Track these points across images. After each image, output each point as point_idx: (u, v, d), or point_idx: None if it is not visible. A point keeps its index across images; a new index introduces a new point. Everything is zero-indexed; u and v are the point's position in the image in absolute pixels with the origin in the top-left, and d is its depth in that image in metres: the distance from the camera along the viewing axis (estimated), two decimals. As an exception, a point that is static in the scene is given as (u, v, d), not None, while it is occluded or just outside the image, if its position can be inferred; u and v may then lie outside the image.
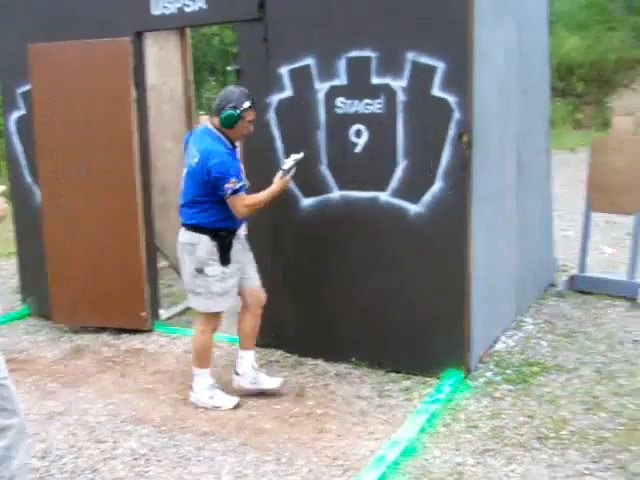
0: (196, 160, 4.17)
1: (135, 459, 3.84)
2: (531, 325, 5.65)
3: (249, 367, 4.52)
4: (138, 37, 5.49)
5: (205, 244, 4.24)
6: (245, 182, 4.31)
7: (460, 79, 4.36)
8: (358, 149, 4.69)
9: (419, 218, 4.60)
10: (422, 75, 4.44)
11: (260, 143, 4.92)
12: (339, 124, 4.73)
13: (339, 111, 4.71)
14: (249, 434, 4.06)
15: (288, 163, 4.39)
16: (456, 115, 4.40)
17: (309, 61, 4.74)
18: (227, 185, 4.10)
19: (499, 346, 5.20)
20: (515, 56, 5.32)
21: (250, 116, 4.25)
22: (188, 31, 6.95)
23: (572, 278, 6.50)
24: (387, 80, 4.55)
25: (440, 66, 4.39)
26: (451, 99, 4.40)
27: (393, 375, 4.75)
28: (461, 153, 4.42)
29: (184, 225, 4.34)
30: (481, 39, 4.43)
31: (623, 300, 6.13)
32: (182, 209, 4.36)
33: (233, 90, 4.27)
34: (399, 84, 4.52)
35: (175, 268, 6.45)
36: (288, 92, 4.82)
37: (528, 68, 5.69)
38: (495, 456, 3.76)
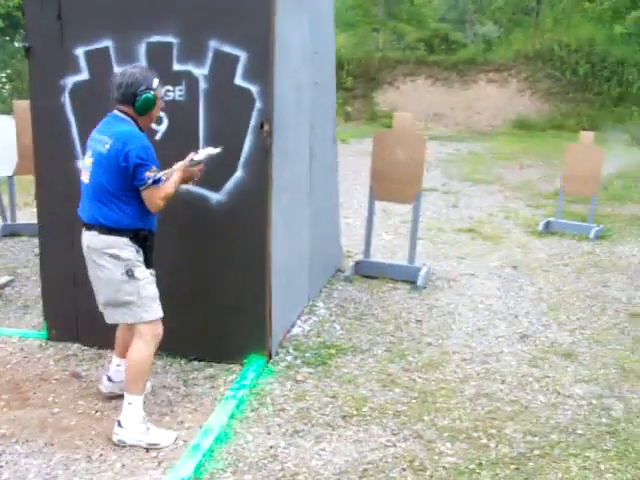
0: (107, 146, 3.64)
1: None
2: (323, 309, 5.88)
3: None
4: None
5: (127, 246, 3.75)
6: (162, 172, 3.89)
7: (262, 69, 4.42)
8: (158, 136, 4.59)
9: (221, 206, 4.62)
10: (224, 64, 4.44)
11: (53, 129, 4.65)
12: (138, 110, 4.60)
13: (138, 97, 4.57)
14: (54, 433, 3.86)
15: (200, 155, 3.96)
16: (257, 105, 4.46)
17: (107, 43, 4.53)
18: (148, 173, 3.64)
19: (296, 330, 5.37)
20: (308, 48, 5.48)
21: (160, 94, 3.90)
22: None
23: (358, 263, 6.84)
24: (189, 67, 4.50)
25: (242, 56, 4.42)
26: (253, 89, 4.45)
27: (196, 363, 4.74)
28: (262, 142, 4.49)
29: (96, 227, 3.77)
30: (281, 30, 4.52)
31: (405, 283, 6.57)
32: (90, 206, 3.79)
33: (137, 71, 3.78)
34: (201, 72, 4.49)
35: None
36: (85, 75, 4.59)
37: (319, 60, 5.89)
38: (305, 437, 3.89)
